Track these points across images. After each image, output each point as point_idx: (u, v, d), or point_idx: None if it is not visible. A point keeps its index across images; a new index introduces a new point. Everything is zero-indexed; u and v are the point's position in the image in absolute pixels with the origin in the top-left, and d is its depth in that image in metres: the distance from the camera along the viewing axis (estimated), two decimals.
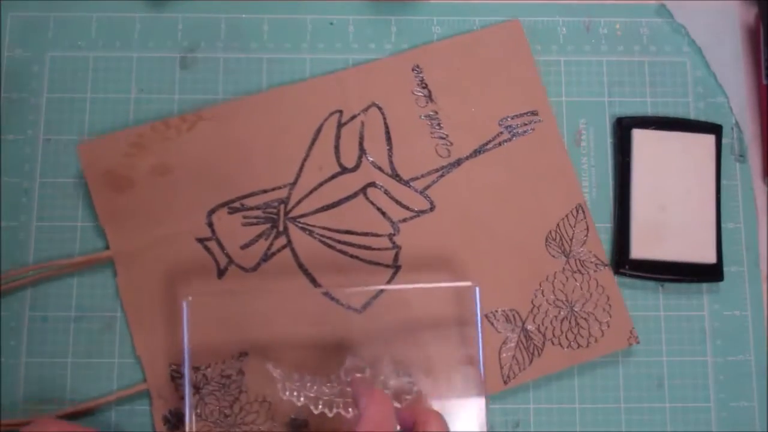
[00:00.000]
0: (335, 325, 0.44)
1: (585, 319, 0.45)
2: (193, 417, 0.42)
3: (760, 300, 0.47)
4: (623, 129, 0.47)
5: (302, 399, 0.42)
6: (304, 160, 0.46)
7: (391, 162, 0.46)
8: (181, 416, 0.42)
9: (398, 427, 0.35)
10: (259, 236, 0.45)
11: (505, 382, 0.44)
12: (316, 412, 0.42)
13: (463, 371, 0.43)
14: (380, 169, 0.46)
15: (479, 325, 0.43)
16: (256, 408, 0.43)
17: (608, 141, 0.48)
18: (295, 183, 0.46)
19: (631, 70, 0.49)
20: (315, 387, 0.42)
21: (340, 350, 0.44)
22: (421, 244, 0.45)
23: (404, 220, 0.46)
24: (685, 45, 0.50)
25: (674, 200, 0.47)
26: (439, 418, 0.36)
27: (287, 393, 0.42)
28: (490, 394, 0.44)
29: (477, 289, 0.43)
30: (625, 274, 0.46)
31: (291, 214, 0.45)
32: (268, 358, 0.43)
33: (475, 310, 0.43)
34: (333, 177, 0.46)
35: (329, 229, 0.45)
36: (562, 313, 0.45)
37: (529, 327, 0.45)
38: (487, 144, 0.47)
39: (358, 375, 0.42)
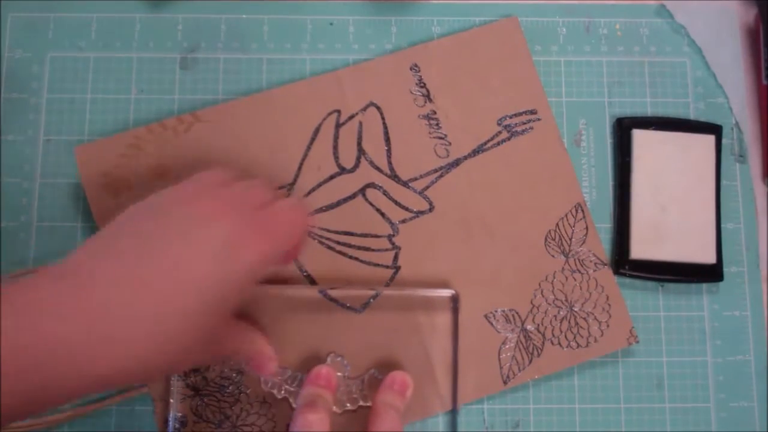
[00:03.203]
0: (335, 325, 0.44)
1: (584, 318, 0.45)
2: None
3: (760, 300, 0.47)
4: (623, 129, 0.47)
5: (282, 392, 0.42)
6: (303, 160, 0.46)
7: (389, 162, 0.46)
8: (183, 419, 0.42)
9: None
10: None
11: (505, 382, 0.44)
12: (294, 406, 0.42)
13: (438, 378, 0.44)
14: (379, 169, 0.46)
15: (456, 332, 0.44)
16: (256, 409, 0.43)
17: (608, 141, 0.48)
18: (293, 183, 0.46)
19: (631, 71, 0.49)
20: (296, 383, 0.42)
21: (340, 350, 0.44)
22: (420, 245, 0.45)
23: (404, 221, 0.46)
24: (685, 45, 0.50)
25: (674, 200, 0.46)
26: (393, 414, 0.36)
27: (269, 385, 0.43)
28: (490, 394, 0.44)
29: (453, 294, 0.44)
30: (625, 275, 0.46)
31: None
32: None
33: (457, 316, 0.44)
34: (332, 177, 0.46)
35: (328, 230, 0.45)
36: (561, 312, 0.45)
37: (529, 327, 0.45)
38: (485, 144, 0.47)
39: (339, 374, 0.43)
